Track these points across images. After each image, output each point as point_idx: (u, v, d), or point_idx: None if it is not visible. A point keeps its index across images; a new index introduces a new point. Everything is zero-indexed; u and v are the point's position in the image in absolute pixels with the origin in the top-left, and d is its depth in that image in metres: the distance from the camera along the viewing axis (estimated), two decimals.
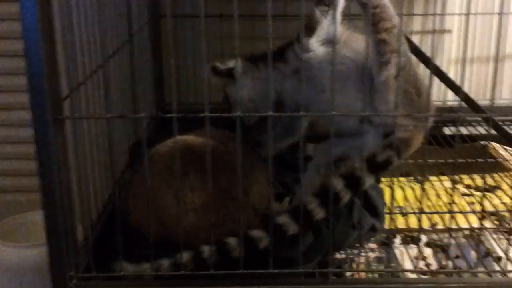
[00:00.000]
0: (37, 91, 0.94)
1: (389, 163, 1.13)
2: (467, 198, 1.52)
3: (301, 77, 1.21)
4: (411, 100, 1.16)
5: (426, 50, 1.89)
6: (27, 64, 0.93)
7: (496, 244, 1.33)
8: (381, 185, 1.53)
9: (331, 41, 1.19)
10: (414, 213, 1.43)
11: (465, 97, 1.60)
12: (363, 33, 1.20)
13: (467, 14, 1.20)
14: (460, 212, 1.43)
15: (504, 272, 1.13)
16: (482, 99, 1.90)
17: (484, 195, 1.08)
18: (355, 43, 1.22)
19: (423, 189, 1.12)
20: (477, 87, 1.93)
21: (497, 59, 1.10)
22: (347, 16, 1.24)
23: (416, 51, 1.60)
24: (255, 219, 1.15)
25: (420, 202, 1.45)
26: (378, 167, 1.15)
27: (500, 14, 1.71)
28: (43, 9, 0.92)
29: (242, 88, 1.20)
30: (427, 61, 1.58)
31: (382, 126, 1.16)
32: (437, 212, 1.44)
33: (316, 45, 1.22)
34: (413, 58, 1.39)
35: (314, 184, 1.16)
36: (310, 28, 1.20)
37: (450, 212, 1.34)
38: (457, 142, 1.10)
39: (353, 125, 1.17)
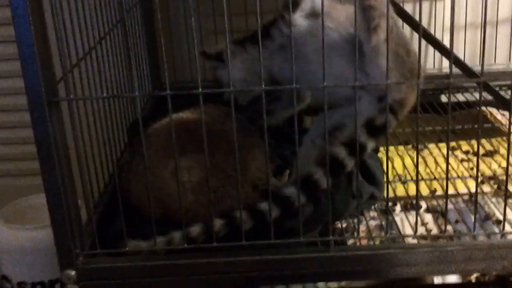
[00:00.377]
0: (30, 75, 0.94)
1: (387, 125, 1.14)
2: (465, 164, 1.53)
3: (287, 52, 1.22)
4: (402, 61, 1.17)
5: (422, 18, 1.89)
6: (18, 49, 0.94)
7: (495, 208, 1.34)
8: (379, 154, 1.54)
9: (314, 14, 1.20)
10: (412, 180, 1.43)
11: (456, 61, 1.60)
12: (343, 3, 1.21)
13: None
14: (458, 177, 1.44)
15: (502, 234, 1.14)
16: (478, 65, 1.91)
17: (477, 162, 1.08)
18: (336, 13, 1.23)
19: (418, 157, 1.12)
20: (472, 53, 1.93)
21: (485, 25, 1.09)
22: None
23: (404, 15, 1.60)
24: (254, 195, 1.16)
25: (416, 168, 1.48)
26: (378, 131, 1.16)
27: None
28: None
29: (232, 70, 1.20)
30: (416, 25, 1.58)
31: (375, 90, 1.17)
32: (434, 179, 1.45)
33: (300, 20, 1.23)
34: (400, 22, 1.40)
35: (311, 156, 1.17)
36: (293, 3, 1.21)
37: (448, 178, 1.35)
38: (450, 109, 1.09)
39: (346, 93, 1.18)
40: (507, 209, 1.30)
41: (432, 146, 1.62)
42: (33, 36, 0.93)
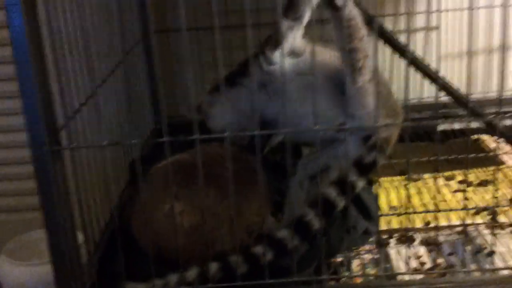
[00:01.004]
0: (33, 126, 0.99)
1: (376, 163, 1.18)
2: (460, 194, 1.55)
3: (267, 90, 1.26)
4: (385, 101, 1.21)
5: (416, 48, 1.94)
6: (22, 100, 0.98)
7: (488, 240, 1.37)
8: (376, 187, 1.58)
9: (295, 53, 1.23)
10: (399, 214, 1.46)
11: (444, 87, 1.63)
12: (327, 45, 1.25)
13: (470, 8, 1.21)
14: (451, 210, 1.47)
15: (493, 270, 1.17)
16: (474, 93, 1.95)
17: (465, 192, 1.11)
18: (321, 55, 1.26)
19: (407, 189, 1.16)
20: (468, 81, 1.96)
21: (471, 54, 1.13)
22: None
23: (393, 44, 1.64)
24: (248, 240, 1.19)
25: (409, 201, 1.51)
26: (367, 169, 1.20)
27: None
28: (34, 44, 0.96)
29: (220, 116, 1.25)
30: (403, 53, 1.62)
31: (361, 131, 1.21)
32: (427, 211, 1.47)
33: (280, 58, 1.26)
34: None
35: (300, 199, 1.21)
36: (275, 41, 1.24)
37: (439, 211, 1.40)
38: (436, 139, 1.13)
39: (330, 134, 1.21)
40: (502, 240, 1.34)
41: (427, 176, 1.65)
42: (35, 87, 0.97)
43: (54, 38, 1.00)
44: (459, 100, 1.66)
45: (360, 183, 1.19)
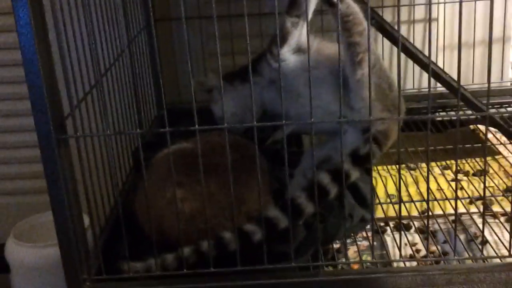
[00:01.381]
0: (39, 114, 1.02)
1: (371, 156, 1.21)
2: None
3: (276, 86, 1.29)
4: (384, 95, 1.24)
5: (416, 39, 1.96)
6: (28, 89, 1.01)
7: (481, 228, 1.40)
8: (374, 174, 1.61)
9: (302, 50, 1.27)
10: (394, 202, 1.50)
11: (436, 75, 1.65)
12: (332, 41, 1.28)
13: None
14: (446, 199, 1.50)
15: (485, 258, 1.21)
16: (471, 84, 1.98)
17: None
18: (326, 49, 1.30)
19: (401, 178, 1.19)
20: (466, 72, 1.99)
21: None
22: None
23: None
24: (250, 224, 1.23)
25: (407, 191, 1.55)
26: (362, 161, 1.23)
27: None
28: (40, 35, 0.99)
29: (222, 106, 1.28)
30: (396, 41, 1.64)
31: (359, 123, 1.24)
32: (422, 200, 1.51)
33: (288, 54, 1.30)
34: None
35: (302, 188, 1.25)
36: (281, 38, 1.28)
37: (435, 199, 1.43)
38: (428, 133, 1.16)
39: (332, 126, 1.25)
40: (496, 230, 1.37)
41: (424, 165, 1.68)
42: (42, 76, 1.00)
43: (59, 28, 1.03)
44: (452, 88, 1.69)
45: (354, 173, 1.22)
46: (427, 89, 1.95)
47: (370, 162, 1.21)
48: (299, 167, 1.36)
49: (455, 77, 1.81)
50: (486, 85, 1.95)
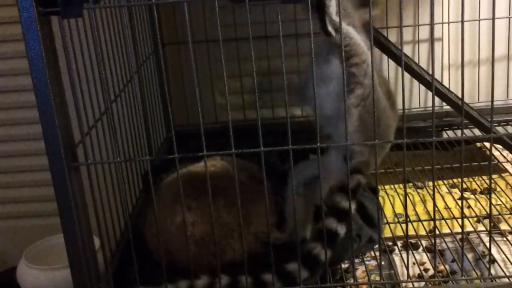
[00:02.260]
0: (51, 142, 1.05)
1: (359, 184, 1.24)
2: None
3: None
4: (367, 128, 1.23)
5: (421, 59, 1.98)
6: (40, 117, 1.04)
7: (489, 247, 1.41)
8: (381, 193, 1.63)
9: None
10: (402, 222, 1.51)
11: (439, 93, 1.67)
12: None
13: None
14: (453, 218, 1.51)
15: (494, 278, 1.22)
16: (477, 102, 2.00)
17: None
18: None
19: (406, 198, 1.20)
20: (471, 90, 2.01)
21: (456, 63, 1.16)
22: None
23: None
24: (255, 247, 1.25)
25: (415, 209, 1.56)
26: (353, 192, 1.23)
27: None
28: (51, 64, 1.02)
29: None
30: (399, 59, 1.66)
31: (342, 150, 1.25)
32: (429, 220, 1.51)
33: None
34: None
35: (300, 207, 1.27)
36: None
37: (442, 218, 1.44)
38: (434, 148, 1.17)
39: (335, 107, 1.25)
40: (504, 248, 1.38)
41: (431, 183, 1.68)
42: (52, 105, 1.03)
43: (69, 58, 1.06)
44: (457, 107, 1.70)
45: (353, 205, 1.22)
46: (436, 107, 2.00)
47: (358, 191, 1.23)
48: (288, 188, 1.36)
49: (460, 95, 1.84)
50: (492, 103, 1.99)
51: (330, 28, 1.14)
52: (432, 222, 1.49)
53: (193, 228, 1.23)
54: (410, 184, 1.73)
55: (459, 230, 1.45)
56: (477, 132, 1.79)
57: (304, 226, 1.35)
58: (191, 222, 1.23)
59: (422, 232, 1.48)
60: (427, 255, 1.40)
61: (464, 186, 1.68)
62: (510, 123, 1.97)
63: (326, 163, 1.25)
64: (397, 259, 1.41)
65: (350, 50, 1.17)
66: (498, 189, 1.66)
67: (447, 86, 1.89)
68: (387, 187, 1.70)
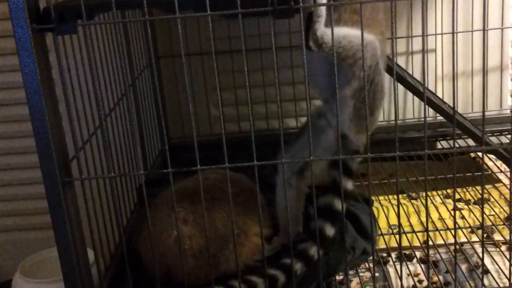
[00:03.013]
0: (45, 157, 1.05)
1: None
2: (456, 213, 1.60)
3: None
4: (363, 119, 1.26)
5: (415, 70, 2.00)
6: (34, 134, 1.04)
7: (482, 257, 1.41)
8: (376, 205, 1.63)
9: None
10: (395, 233, 1.51)
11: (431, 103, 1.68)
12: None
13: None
14: (447, 229, 1.52)
15: None
16: (470, 112, 2.01)
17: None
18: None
19: (399, 209, 1.21)
20: (465, 101, 2.02)
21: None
22: None
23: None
24: (252, 258, 1.26)
25: (409, 220, 1.56)
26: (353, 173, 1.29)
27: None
28: (45, 79, 1.03)
29: None
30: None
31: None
32: (423, 231, 1.51)
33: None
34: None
35: (292, 199, 1.30)
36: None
37: (436, 230, 1.44)
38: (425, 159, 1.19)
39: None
40: (497, 258, 1.38)
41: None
42: (47, 121, 1.04)
43: (63, 73, 1.06)
44: (448, 116, 1.71)
45: (349, 185, 1.28)
46: (428, 118, 2.02)
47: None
48: (277, 177, 1.37)
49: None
50: (487, 113, 2.00)
51: (311, 43, 1.17)
52: (426, 233, 1.51)
53: (190, 241, 1.24)
54: (404, 195, 1.73)
55: (453, 241, 1.46)
56: (471, 142, 1.80)
57: (297, 221, 1.38)
58: (188, 235, 1.24)
59: (416, 243, 1.49)
60: (421, 266, 1.40)
61: (458, 196, 1.69)
62: (504, 133, 1.98)
63: (321, 140, 1.29)
64: (391, 270, 1.41)
65: (342, 52, 1.20)
66: (492, 199, 1.66)
67: (441, 97, 1.91)
68: (381, 198, 1.71)
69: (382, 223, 1.58)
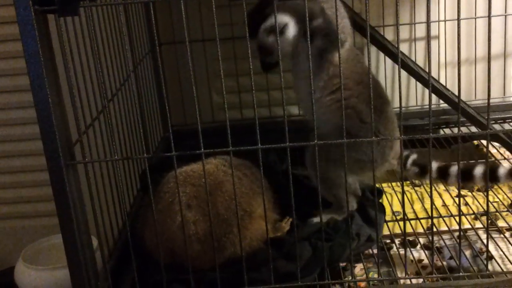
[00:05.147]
0: (49, 140, 1.04)
1: None
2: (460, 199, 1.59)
3: None
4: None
5: (418, 57, 1.98)
6: (38, 117, 1.03)
7: (487, 244, 1.41)
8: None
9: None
10: (399, 220, 1.49)
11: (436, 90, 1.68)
12: None
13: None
14: (451, 215, 1.51)
15: (490, 274, 1.22)
16: (473, 100, 2.00)
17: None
18: None
19: (404, 196, 1.20)
20: (468, 88, 2.01)
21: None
22: None
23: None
24: (256, 242, 1.25)
25: (412, 207, 1.56)
26: None
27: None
28: (48, 62, 1.02)
29: None
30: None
31: None
32: (427, 218, 1.52)
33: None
34: None
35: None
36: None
37: (439, 216, 1.44)
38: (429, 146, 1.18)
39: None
40: (501, 245, 1.38)
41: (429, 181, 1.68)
42: (50, 104, 1.03)
43: (66, 56, 1.06)
44: (453, 105, 1.71)
45: None
46: (432, 105, 2.00)
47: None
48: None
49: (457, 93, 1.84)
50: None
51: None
52: (430, 220, 1.50)
53: (195, 226, 1.23)
54: (408, 182, 1.72)
55: (457, 227, 1.46)
56: (474, 130, 1.79)
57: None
58: (192, 221, 1.23)
59: (420, 229, 1.49)
60: (425, 252, 1.40)
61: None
62: (507, 120, 1.98)
63: None
64: (395, 256, 1.41)
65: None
66: (496, 186, 1.66)
67: (444, 84, 1.90)
68: (384, 185, 1.71)
69: (386, 210, 1.57)
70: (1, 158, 2.06)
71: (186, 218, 1.20)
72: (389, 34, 1.88)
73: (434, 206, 1.54)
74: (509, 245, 1.38)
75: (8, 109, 2.00)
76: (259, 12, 1.31)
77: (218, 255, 1.16)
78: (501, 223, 1.47)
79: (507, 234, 1.44)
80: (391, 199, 1.63)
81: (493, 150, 1.83)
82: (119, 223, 1.32)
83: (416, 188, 1.69)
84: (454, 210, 1.54)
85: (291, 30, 1.31)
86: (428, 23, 1.07)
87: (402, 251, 1.39)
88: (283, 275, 1.19)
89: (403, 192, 1.20)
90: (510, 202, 1.58)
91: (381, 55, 1.90)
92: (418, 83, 1.92)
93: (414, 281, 1.27)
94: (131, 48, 1.64)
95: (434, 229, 1.46)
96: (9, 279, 1.66)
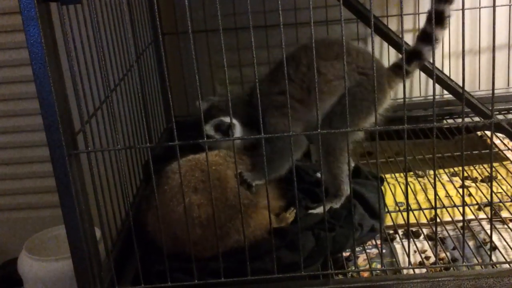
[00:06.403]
0: (52, 130, 1.04)
1: None
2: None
3: None
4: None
5: None
6: (40, 107, 1.03)
7: (490, 234, 1.41)
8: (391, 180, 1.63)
9: None
10: (403, 210, 1.51)
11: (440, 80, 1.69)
12: None
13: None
14: (455, 206, 1.51)
15: (494, 264, 1.22)
16: (477, 90, 1.99)
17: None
18: None
19: (407, 187, 1.20)
20: (472, 78, 2.00)
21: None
22: None
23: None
24: (260, 231, 1.25)
25: (416, 198, 1.56)
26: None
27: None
28: (50, 51, 1.02)
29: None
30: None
31: None
32: (430, 208, 1.52)
33: None
34: None
35: None
36: None
37: (443, 207, 1.44)
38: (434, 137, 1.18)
39: None
40: (505, 235, 1.38)
41: (432, 172, 1.68)
42: (53, 93, 1.02)
43: (69, 47, 1.05)
44: (456, 93, 1.70)
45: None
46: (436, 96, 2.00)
47: None
48: None
49: (461, 83, 1.83)
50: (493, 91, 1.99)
51: None
52: (433, 210, 1.50)
53: (198, 209, 1.23)
54: (411, 172, 1.72)
55: (460, 218, 1.45)
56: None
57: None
58: (197, 203, 1.23)
59: (423, 220, 1.48)
60: (428, 243, 1.40)
61: (465, 174, 1.68)
62: (511, 111, 1.97)
63: None
64: (398, 247, 1.41)
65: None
66: (499, 177, 1.65)
67: (448, 75, 1.89)
68: (388, 176, 1.70)
69: (389, 200, 1.57)
70: (3, 149, 2.06)
71: (191, 201, 1.19)
72: (393, 25, 1.88)
73: (437, 197, 1.54)
74: None
75: (8, 100, 2.00)
76: None
77: (221, 243, 1.16)
78: (504, 214, 1.47)
79: (511, 224, 1.43)
80: (394, 189, 1.63)
81: (496, 141, 1.83)
82: (122, 213, 1.31)
83: (420, 179, 1.69)
84: (457, 201, 1.54)
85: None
86: (432, 13, 1.06)
87: (405, 242, 1.39)
88: (286, 265, 1.19)
89: (406, 183, 1.20)
90: None
91: (385, 44, 1.89)
92: (421, 73, 1.91)
93: (417, 271, 1.27)
94: (134, 38, 1.64)
95: (438, 220, 1.46)
96: (12, 270, 1.66)
